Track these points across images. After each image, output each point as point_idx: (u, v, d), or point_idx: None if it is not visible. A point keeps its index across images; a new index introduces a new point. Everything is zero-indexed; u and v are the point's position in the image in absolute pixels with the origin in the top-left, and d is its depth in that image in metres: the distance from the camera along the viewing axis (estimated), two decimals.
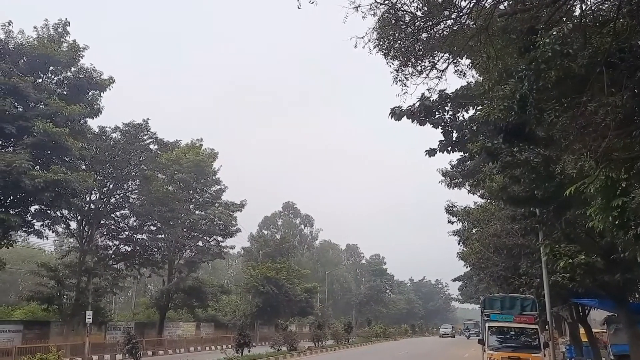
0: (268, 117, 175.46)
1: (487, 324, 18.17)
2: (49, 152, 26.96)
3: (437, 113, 16.52)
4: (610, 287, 15.70)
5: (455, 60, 10.85)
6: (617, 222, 9.75)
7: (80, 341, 30.44)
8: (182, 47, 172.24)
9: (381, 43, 9.77)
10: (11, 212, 26.10)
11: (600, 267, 14.70)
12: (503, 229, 22.02)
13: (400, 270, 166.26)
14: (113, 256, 36.62)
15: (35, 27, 28.33)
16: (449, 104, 16.33)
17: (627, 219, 9.54)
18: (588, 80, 8.75)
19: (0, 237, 25.63)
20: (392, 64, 10.27)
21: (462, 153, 18.14)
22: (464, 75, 11.68)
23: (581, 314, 24.91)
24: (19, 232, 30.20)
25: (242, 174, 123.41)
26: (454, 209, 27.65)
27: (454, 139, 16.82)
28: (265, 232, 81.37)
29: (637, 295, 19.39)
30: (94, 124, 31.65)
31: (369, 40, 10.31)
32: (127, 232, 36.96)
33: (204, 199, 44.40)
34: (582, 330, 25.54)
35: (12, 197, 26.57)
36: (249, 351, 27.50)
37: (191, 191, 43.25)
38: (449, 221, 28.61)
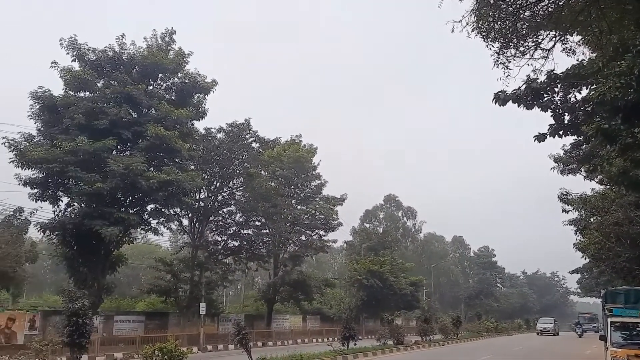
0: (366, 109, 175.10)
1: (609, 319, 16.69)
2: (161, 154, 28.85)
3: (545, 95, 15.43)
4: None
5: (562, 38, 9.98)
6: None
7: (195, 331, 32.22)
8: (268, 40, 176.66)
9: (480, 25, 9.20)
10: (130, 211, 28.24)
11: None
12: (626, 217, 20.21)
13: (511, 263, 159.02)
14: (222, 251, 38.37)
15: (144, 38, 30.35)
16: (559, 85, 15.17)
17: None
18: None
19: (121, 235, 27.75)
20: (492, 46, 9.69)
21: (575, 137, 16.84)
22: (573, 53, 10.72)
23: None
24: (137, 229, 32.38)
25: (342, 167, 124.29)
26: (569, 197, 25.74)
27: (565, 122, 15.65)
28: (367, 225, 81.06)
29: None
30: (200, 125, 33.40)
31: (467, 24, 9.80)
32: (234, 228, 38.55)
33: (305, 194, 45.10)
34: None
35: (130, 198, 28.74)
36: (354, 344, 27.53)
37: (292, 186, 44.12)
38: (564, 210, 26.71)
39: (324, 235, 45.32)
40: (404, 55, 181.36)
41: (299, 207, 44.50)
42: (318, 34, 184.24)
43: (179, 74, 30.78)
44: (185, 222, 36.38)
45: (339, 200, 45.78)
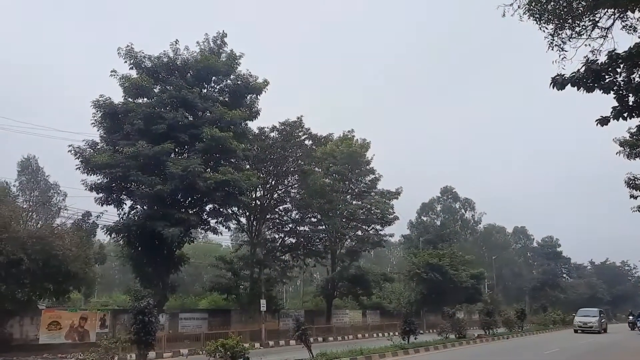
0: (420, 99, 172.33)
1: None
2: (217, 155, 29.54)
3: (607, 76, 14.72)
4: None
5: (622, 15, 9.46)
6: None
7: (257, 327, 32.81)
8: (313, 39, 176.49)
9: (532, 7, 8.86)
10: (190, 212, 29.09)
11: None
12: None
13: (577, 253, 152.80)
14: (280, 248, 38.91)
15: (197, 42, 31.18)
16: (621, 65, 14.43)
17: None
18: None
19: (183, 235, 28.62)
20: (546, 28, 9.29)
21: None
22: (634, 31, 10.13)
23: None
24: (198, 229, 33.28)
25: (397, 162, 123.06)
26: (637, 182, 24.44)
27: (630, 103, 14.87)
28: (424, 218, 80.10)
29: None
30: (253, 125, 33.94)
31: (519, 7, 9.46)
32: (290, 225, 39.01)
33: (360, 189, 44.95)
34: None
35: (189, 199, 29.60)
36: (415, 338, 27.23)
37: (347, 182, 44.06)
38: (632, 196, 25.39)
39: (381, 230, 45.06)
40: (461, 44, 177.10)
41: (354, 202, 44.39)
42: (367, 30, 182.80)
43: (232, 76, 31.42)
44: (243, 220, 37.11)
45: (395, 194, 45.37)
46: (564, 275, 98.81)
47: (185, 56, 30.33)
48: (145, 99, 29.64)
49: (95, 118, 28.63)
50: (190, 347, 26.63)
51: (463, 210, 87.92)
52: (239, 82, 31.28)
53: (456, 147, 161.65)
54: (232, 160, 30.13)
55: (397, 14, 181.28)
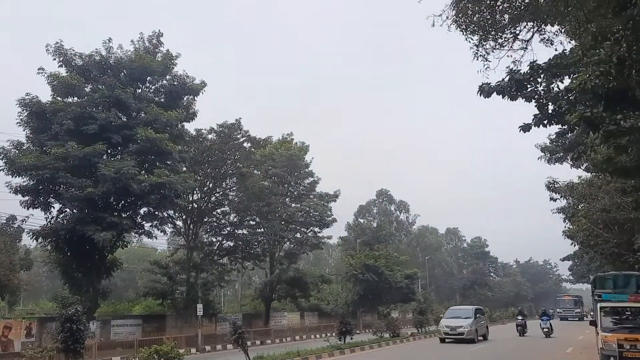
0: (350, 104, 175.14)
1: (599, 305, 16.99)
2: (152, 157, 28.84)
3: (529, 86, 15.67)
4: None
5: (540, 29, 10.18)
6: None
7: (193, 333, 32.32)
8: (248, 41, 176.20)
9: (459, 19, 9.38)
10: (123, 215, 28.27)
11: None
12: (612, 203, 20.52)
13: (504, 252, 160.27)
14: (217, 251, 38.48)
15: (132, 41, 30.35)
16: (542, 75, 15.41)
17: None
18: None
19: (115, 239, 27.80)
20: (472, 39, 9.86)
21: (560, 126, 17.10)
22: (551, 44, 10.95)
23: None
24: (131, 233, 32.43)
25: (335, 165, 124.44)
26: (556, 186, 26.08)
27: (549, 111, 15.89)
28: (362, 220, 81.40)
29: None
30: (190, 127, 33.43)
31: (447, 18, 9.95)
32: (228, 228, 38.61)
33: (299, 192, 45.25)
34: None
35: (122, 202, 28.77)
36: (351, 338, 27.77)
37: (286, 185, 44.25)
38: (552, 198, 27.04)
39: (319, 232, 45.54)
40: (392, 51, 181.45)
41: (293, 205, 44.61)
42: (301, 33, 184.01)
43: (168, 77, 30.77)
44: (180, 224, 36.44)
45: (333, 196, 45.97)
46: (492, 274, 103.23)
47: (119, 55, 29.46)
48: (75, 98, 28.53)
49: (20, 117, 27.27)
50: (122, 354, 25.85)
51: (398, 212, 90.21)
52: (175, 83, 30.71)
53: (391, 149, 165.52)
54: (168, 163, 29.52)
55: (334, 15, 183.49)
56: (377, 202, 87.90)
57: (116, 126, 27.40)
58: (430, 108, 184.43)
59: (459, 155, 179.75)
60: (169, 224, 34.70)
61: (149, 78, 30.47)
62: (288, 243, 44.67)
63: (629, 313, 16.62)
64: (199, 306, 32.37)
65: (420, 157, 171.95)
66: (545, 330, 32.48)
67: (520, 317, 35.47)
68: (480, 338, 29.79)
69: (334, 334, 30.10)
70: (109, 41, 29.25)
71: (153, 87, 30.99)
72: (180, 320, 34.00)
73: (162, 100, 30.66)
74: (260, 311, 43.87)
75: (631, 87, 9.62)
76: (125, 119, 28.68)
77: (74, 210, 27.51)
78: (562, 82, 15.18)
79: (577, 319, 57.44)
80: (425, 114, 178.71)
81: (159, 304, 36.03)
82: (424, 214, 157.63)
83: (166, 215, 32.29)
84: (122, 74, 29.42)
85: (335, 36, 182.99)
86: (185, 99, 31.55)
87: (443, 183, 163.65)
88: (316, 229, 45.11)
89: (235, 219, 38.90)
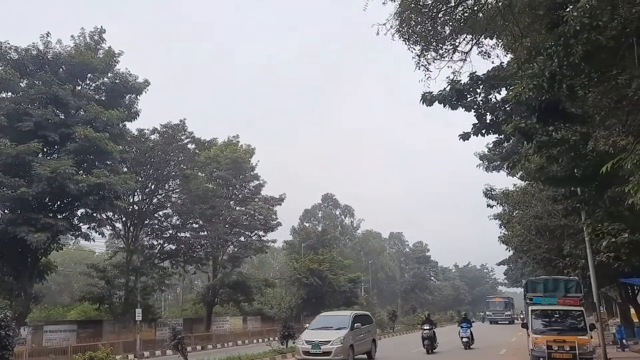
0: (295, 110, 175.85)
1: (530, 308, 17.81)
2: (91, 156, 27.93)
3: (468, 96, 16.27)
4: None
5: (478, 42, 10.62)
6: None
7: (131, 338, 31.42)
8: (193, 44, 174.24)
9: (402, 29, 9.65)
10: (59, 216, 27.19)
11: None
12: (544, 211, 21.54)
13: (444, 257, 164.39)
14: (158, 255, 37.62)
15: (72, 37, 29.33)
16: (481, 86, 16.05)
17: None
18: (618, 53, 8.43)
19: (49, 241, 26.68)
20: (414, 49, 10.16)
21: (497, 135, 17.83)
22: (488, 56, 11.44)
23: (630, 293, 24.17)
24: (67, 235, 31.27)
25: (280, 168, 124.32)
26: (493, 193, 27.16)
27: (487, 121, 16.55)
28: (307, 224, 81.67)
29: None
30: (132, 127, 32.64)
31: (391, 27, 10.21)
32: (170, 231, 37.86)
33: (244, 195, 44.96)
34: (632, 311, 24.78)
35: (59, 202, 27.68)
36: (293, 342, 27.76)
37: (231, 187, 43.89)
38: (488, 205, 28.11)
39: (264, 236, 45.45)
40: (337, 55, 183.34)
41: (237, 208, 44.30)
42: (236, 36, 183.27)
43: (109, 74, 29.92)
44: (119, 226, 35.46)
45: (278, 200, 45.94)
46: (432, 278, 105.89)
47: (58, 50, 28.32)
48: (9, 94, 27.25)
49: None
50: None
51: (343, 217, 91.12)
52: (117, 81, 29.87)
53: (335, 153, 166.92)
54: (108, 163, 28.65)
55: (270, 19, 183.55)
56: (322, 207, 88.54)
57: (53, 124, 26.34)
58: (375, 111, 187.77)
59: (404, 161, 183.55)
60: (108, 226, 33.77)
61: (89, 75, 29.50)
62: (232, 246, 44.32)
63: (558, 316, 17.46)
64: (138, 311, 31.52)
65: (366, 160, 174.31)
66: (464, 340, 25.85)
67: (427, 326, 24.72)
68: (363, 357, 21.12)
69: (276, 338, 30.03)
70: (47, 35, 28.13)
71: (93, 85, 30.06)
72: (118, 326, 32.99)
73: (103, 98, 29.76)
74: (201, 316, 43.19)
75: (562, 101, 10.14)
76: (63, 117, 27.61)
77: (6, 211, 26.28)
78: (500, 94, 15.86)
79: (507, 322, 55.11)
80: (369, 117, 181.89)
81: (95, 308, 34.85)
82: (370, 219, 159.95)
83: (105, 217, 31.38)
84: (61, 69, 28.35)
85: (282, 39, 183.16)
86: (127, 97, 30.77)
87: (388, 188, 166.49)
88: (261, 233, 44.99)
89: (177, 222, 38.19)
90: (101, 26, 30.00)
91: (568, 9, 9.01)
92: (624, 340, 23.18)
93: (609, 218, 15.55)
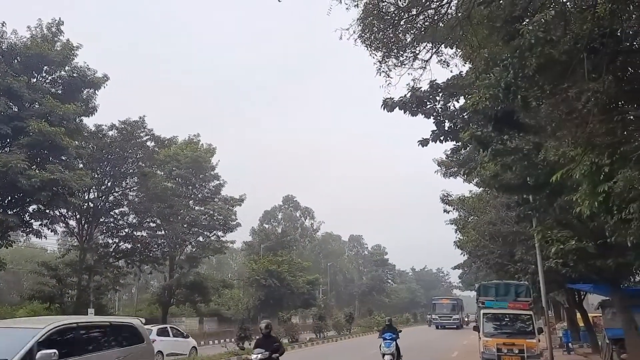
0: (258, 112, 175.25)
1: (482, 311, 18.32)
2: (45, 151, 27.10)
3: (428, 103, 16.65)
4: (603, 271, 15.78)
5: (438, 51, 10.89)
6: (603, 207, 9.85)
7: None
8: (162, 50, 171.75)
9: (364, 34, 9.81)
10: (9, 212, 26.31)
11: (592, 252, 14.77)
12: (498, 217, 22.14)
13: (402, 260, 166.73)
14: (113, 254, 36.82)
15: (28, 27, 28.49)
16: (440, 94, 16.44)
17: (612, 203, 9.63)
18: (570, 67, 8.79)
19: None
20: (375, 55, 10.32)
21: (455, 142, 18.27)
22: (447, 65, 11.72)
23: (577, 299, 25.13)
24: (18, 232, 30.29)
25: (240, 169, 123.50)
26: (450, 198, 27.78)
27: (446, 128, 16.95)
28: (266, 226, 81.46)
29: (631, 279, 19.48)
30: (90, 122, 31.85)
31: (354, 32, 10.35)
32: (126, 230, 37.10)
33: (204, 195, 44.48)
34: (578, 315, 25.77)
35: (9, 198, 26.76)
36: (249, 344, 27.65)
37: (190, 187, 43.35)
38: (445, 210, 28.73)
39: (223, 236, 45.00)
40: (301, 57, 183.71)
41: (196, 207, 43.77)
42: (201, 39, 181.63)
43: (67, 67, 29.10)
44: (73, 223, 34.51)
45: (238, 200, 45.62)
46: (389, 281, 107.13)
47: (13, 40, 27.40)
48: None
49: None
50: None
51: (303, 219, 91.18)
52: (74, 75, 29.05)
53: (298, 155, 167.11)
54: (63, 158, 27.85)
55: (233, 19, 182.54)
56: (282, 208, 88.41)
57: (6, 116, 25.43)
58: (335, 116, 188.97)
59: (366, 164, 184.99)
60: (61, 223, 32.89)
61: (45, 67, 28.61)
62: (190, 246, 43.76)
63: (508, 319, 18.04)
64: (91, 311, 30.75)
65: (328, 164, 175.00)
66: (387, 356, 17.21)
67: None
68: None
69: (232, 340, 29.83)
70: (2, 25, 27.20)
71: (50, 78, 29.16)
72: None
73: (60, 92, 28.91)
74: (157, 316, 42.35)
75: (516, 111, 10.49)
76: (16, 110, 26.71)
77: None
78: (458, 102, 16.31)
79: (454, 326, 51.20)
80: (331, 121, 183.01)
81: (45, 307, 33.63)
82: (330, 221, 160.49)
83: (58, 213, 30.52)
84: (16, 61, 27.41)
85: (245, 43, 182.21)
86: (85, 92, 30.01)
87: (350, 190, 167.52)
88: (220, 233, 44.56)
89: (134, 220, 37.47)
90: (59, 18, 29.25)
91: (524, 23, 9.34)
92: (569, 344, 24.10)
93: (558, 226, 16.16)
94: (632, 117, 9.19)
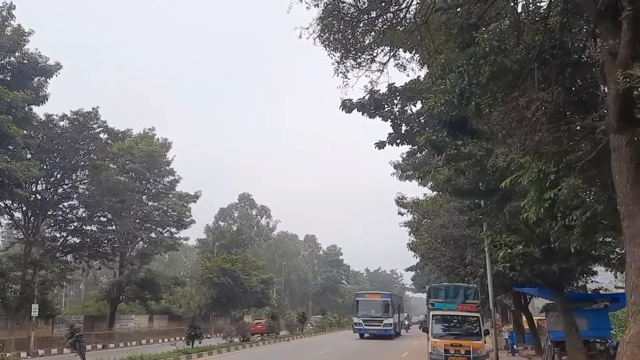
0: (217, 108, 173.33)
1: (431, 313, 18.65)
2: None
3: (386, 106, 16.84)
4: (547, 276, 16.33)
5: (395, 54, 11.01)
6: (548, 214, 10.19)
7: (25, 335, 29.55)
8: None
9: (323, 34, 9.82)
10: None
11: (538, 257, 15.25)
12: (450, 221, 22.57)
13: (356, 261, 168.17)
14: (61, 248, 35.60)
15: None
16: (398, 98, 16.65)
17: (557, 210, 9.98)
18: (521, 76, 9.06)
19: None
20: (334, 55, 10.36)
21: (411, 146, 18.54)
22: (404, 69, 11.87)
23: (523, 302, 25.92)
24: None
25: (197, 165, 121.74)
26: (404, 201, 28.17)
27: (402, 131, 17.18)
28: (222, 223, 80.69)
29: (574, 284, 20.21)
30: (40, 111, 30.75)
31: (314, 32, 10.35)
32: (75, 224, 35.94)
33: (158, 190, 43.60)
34: (524, 318, 26.58)
35: None
36: (199, 343, 27.28)
37: (144, 182, 42.41)
38: (400, 212, 29.13)
39: (176, 233, 44.29)
40: (260, 55, 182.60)
41: (150, 203, 42.85)
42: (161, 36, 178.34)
43: (17, 53, 28.04)
44: (19, 215, 33.16)
45: (193, 197, 44.98)
46: (343, 281, 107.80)
47: None
48: None
49: None
50: None
51: (259, 217, 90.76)
52: (25, 61, 28.03)
53: (255, 154, 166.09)
54: (10, 148, 26.81)
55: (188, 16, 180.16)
56: (238, 206, 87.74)
57: None
58: (296, 114, 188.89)
59: (324, 163, 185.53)
60: (6, 215, 31.62)
61: None
62: (141, 243, 42.84)
63: (456, 321, 18.42)
64: (34, 306, 29.64)
65: (287, 161, 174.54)
66: None
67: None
68: None
69: (182, 338, 29.37)
70: None
71: None
72: (11, 322, 30.82)
73: (8, 78, 27.88)
74: (105, 313, 41.32)
75: (470, 117, 10.71)
76: None
77: None
78: (415, 106, 16.57)
79: (386, 334, 35.78)
80: (291, 120, 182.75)
81: None
82: (286, 220, 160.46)
83: (3, 205, 29.29)
84: None
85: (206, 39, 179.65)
86: (35, 80, 28.99)
87: (307, 191, 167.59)
88: (173, 230, 43.83)
89: (84, 214, 36.31)
90: (10, 2, 28.10)
91: (480, 31, 9.56)
92: (514, 346, 24.80)
93: (507, 230, 16.63)
94: (578, 127, 9.53)
